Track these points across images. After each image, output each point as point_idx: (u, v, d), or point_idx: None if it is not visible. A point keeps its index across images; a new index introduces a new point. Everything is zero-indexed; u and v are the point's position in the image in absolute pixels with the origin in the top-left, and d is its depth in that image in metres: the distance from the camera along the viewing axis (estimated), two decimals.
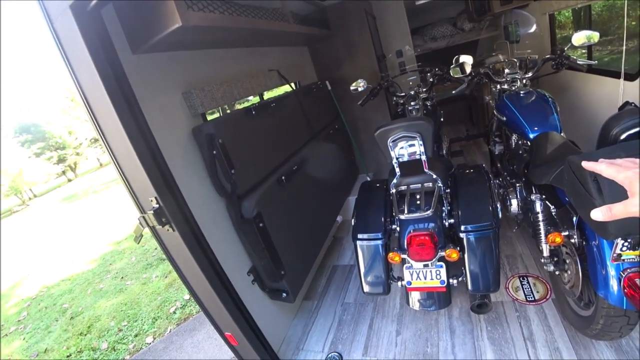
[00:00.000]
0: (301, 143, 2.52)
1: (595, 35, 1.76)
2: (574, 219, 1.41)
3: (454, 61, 2.18)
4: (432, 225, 1.63)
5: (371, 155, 3.69)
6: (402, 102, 2.68)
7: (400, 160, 1.60)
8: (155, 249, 4.97)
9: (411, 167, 1.62)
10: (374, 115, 3.48)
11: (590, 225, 1.17)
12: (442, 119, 2.81)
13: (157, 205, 1.16)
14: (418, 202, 1.62)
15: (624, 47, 1.91)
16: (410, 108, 2.56)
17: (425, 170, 1.57)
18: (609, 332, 1.36)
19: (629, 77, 2.06)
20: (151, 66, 1.44)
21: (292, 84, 2.67)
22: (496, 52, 3.46)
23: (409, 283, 1.64)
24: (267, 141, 2.04)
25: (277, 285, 1.90)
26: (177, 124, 1.55)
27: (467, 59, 2.14)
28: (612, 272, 1.21)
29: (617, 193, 0.90)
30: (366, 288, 1.75)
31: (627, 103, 1.90)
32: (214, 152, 1.56)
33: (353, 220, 1.85)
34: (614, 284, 1.20)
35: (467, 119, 5.01)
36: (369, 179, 3.24)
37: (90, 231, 7.60)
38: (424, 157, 1.55)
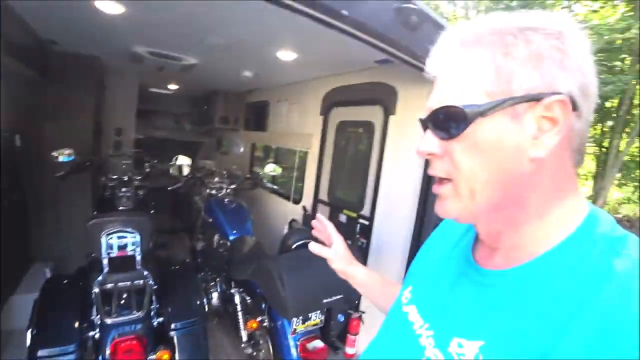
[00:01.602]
0: None
1: (278, 169, 2.61)
2: (264, 305, 1.80)
3: (174, 159, 2.35)
4: (139, 327, 1.49)
5: (54, 238, 2.84)
6: (112, 185, 2.43)
7: (111, 255, 1.45)
8: None
9: (122, 262, 1.49)
10: (70, 194, 2.80)
11: (276, 310, 1.61)
12: (152, 211, 2.75)
13: None
14: (123, 301, 1.47)
15: (294, 181, 2.94)
16: (120, 194, 2.34)
17: (138, 267, 1.50)
18: None
19: (295, 202, 3.08)
20: None
21: None
22: (211, 160, 4.06)
23: None
24: None
25: None
26: None
27: (186, 161, 2.38)
28: (291, 342, 1.65)
29: (295, 285, 1.37)
30: None
31: (292, 220, 2.86)
32: None
33: (30, 331, 1.35)
34: (294, 351, 1.64)
35: (170, 209, 5.03)
36: (48, 270, 2.46)
37: None
38: (138, 254, 1.49)
